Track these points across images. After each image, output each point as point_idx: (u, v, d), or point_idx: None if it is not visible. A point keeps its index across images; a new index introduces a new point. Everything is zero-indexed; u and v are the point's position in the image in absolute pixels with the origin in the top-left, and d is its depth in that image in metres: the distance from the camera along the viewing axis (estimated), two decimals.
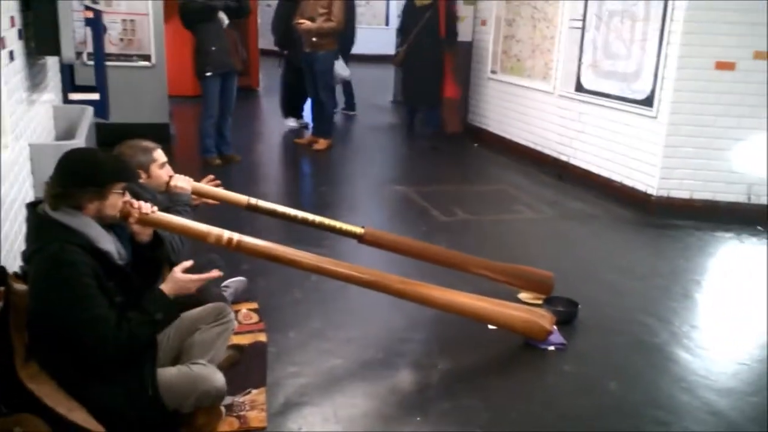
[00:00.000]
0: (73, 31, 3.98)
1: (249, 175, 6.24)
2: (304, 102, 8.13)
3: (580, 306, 3.45)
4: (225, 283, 3.33)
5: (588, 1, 6.10)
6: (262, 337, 3.08)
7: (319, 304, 3.52)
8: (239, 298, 3.40)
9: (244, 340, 3.02)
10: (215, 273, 2.39)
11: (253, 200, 3.11)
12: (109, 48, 6.46)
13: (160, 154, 2.91)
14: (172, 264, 2.91)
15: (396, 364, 2.99)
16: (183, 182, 2.96)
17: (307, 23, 6.65)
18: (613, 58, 5.84)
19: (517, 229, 5.07)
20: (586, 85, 6.18)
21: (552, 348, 3.13)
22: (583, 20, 6.17)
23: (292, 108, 8.22)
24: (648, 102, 5.40)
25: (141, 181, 2.79)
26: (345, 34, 7.40)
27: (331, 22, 6.66)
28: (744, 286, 4.13)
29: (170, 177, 2.94)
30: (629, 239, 4.93)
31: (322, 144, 7.05)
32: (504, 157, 7.15)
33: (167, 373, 2.30)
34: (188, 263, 2.34)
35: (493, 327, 3.19)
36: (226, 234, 2.49)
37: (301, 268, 2.68)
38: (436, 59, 7.41)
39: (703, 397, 2.84)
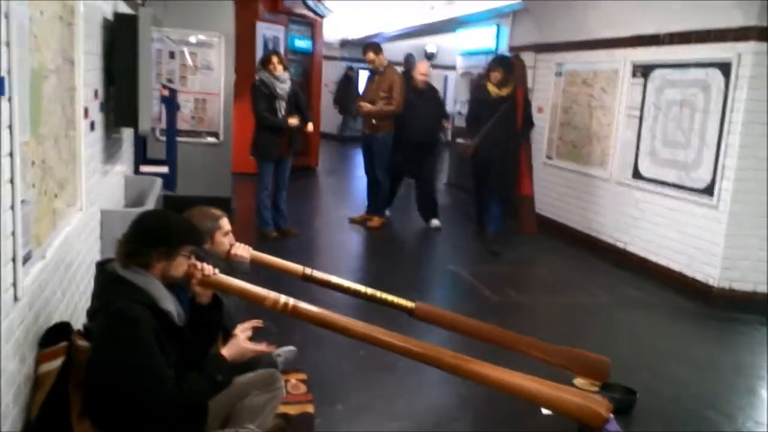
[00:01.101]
0: (151, 106, 4.23)
1: (305, 248, 6.35)
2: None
3: (638, 394, 3.33)
4: (276, 351, 3.34)
5: (646, 91, 6.17)
6: (310, 408, 3.07)
7: (368, 378, 3.50)
8: (289, 368, 3.40)
9: (291, 410, 3.00)
10: (272, 348, 2.45)
11: (308, 270, 3.16)
12: (181, 125, 6.80)
13: (225, 223, 3.03)
14: (226, 330, 2.97)
15: None
16: (243, 251, 3.05)
17: (368, 106, 6.91)
18: (671, 147, 5.82)
19: (571, 313, 4.97)
20: (643, 172, 6.15)
21: None
22: (641, 109, 6.22)
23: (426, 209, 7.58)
24: (708, 191, 5.34)
25: (212, 268, 2.89)
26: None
27: (391, 106, 6.89)
28: None
29: (231, 245, 3.04)
30: (690, 330, 4.76)
31: (376, 221, 7.16)
32: (559, 241, 7.09)
33: None
34: (249, 332, 2.41)
35: (547, 412, 3.10)
36: (282, 298, 2.53)
37: (353, 337, 2.67)
38: (514, 153, 6.68)
39: None
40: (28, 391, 2.26)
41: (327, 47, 15.36)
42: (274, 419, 2.71)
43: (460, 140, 7.53)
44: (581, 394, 3.08)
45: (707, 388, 3.70)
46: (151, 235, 2.29)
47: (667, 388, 3.63)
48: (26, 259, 2.16)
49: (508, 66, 6.64)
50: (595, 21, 6.85)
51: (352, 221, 7.37)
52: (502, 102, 6.51)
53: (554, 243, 7.07)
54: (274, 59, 6.19)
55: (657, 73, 6.05)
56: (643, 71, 6.22)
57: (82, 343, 2.46)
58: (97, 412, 2.22)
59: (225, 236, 3.02)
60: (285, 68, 6.27)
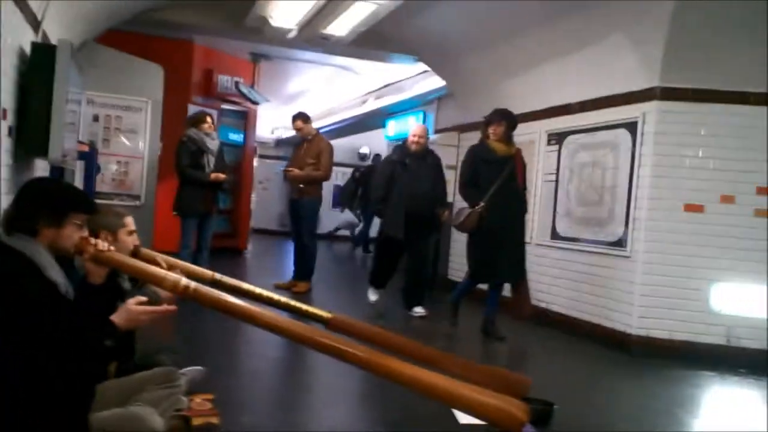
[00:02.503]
0: (63, 138, 4.13)
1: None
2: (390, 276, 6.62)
3: (556, 406, 3.26)
4: (182, 370, 3.15)
5: (561, 156, 6.46)
6: (215, 420, 2.87)
7: (281, 396, 3.33)
8: (196, 389, 3.20)
9: (195, 422, 2.80)
10: (171, 308, 2.25)
11: (218, 275, 3.05)
12: (101, 187, 6.66)
13: (130, 221, 2.90)
14: None
15: None
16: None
17: (295, 171, 6.96)
18: (586, 205, 6.05)
19: (484, 359, 4.91)
20: (561, 232, 6.34)
21: None
22: (557, 173, 6.49)
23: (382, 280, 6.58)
24: (621, 243, 5.52)
25: (107, 244, 2.73)
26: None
27: (318, 172, 6.97)
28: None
29: (136, 246, 2.91)
30: (608, 370, 4.79)
31: (301, 287, 7.04)
32: (480, 306, 6.98)
33: (100, 415, 2.12)
34: (143, 298, 2.23)
35: (464, 420, 2.99)
36: (183, 281, 2.40)
37: (257, 325, 2.54)
38: (523, 218, 5.77)
39: None
40: None
41: (262, 147, 15.54)
42: (172, 419, 2.51)
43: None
44: (499, 397, 2.99)
45: (624, 409, 3.67)
46: (37, 199, 2.16)
47: (585, 408, 3.58)
48: None
49: (510, 118, 5.67)
50: (512, 97, 7.21)
51: (278, 287, 7.20)
52: (506, 161, 5.57)
53: (474, 307, 6.94)
54: (208, 119, 6.27)
55: (570, 139, 6.37)
56: (558, 139, 6.55)
57: None
58: None
59: (129, 235, 2.89)
60: (215, 129, 6.35)
